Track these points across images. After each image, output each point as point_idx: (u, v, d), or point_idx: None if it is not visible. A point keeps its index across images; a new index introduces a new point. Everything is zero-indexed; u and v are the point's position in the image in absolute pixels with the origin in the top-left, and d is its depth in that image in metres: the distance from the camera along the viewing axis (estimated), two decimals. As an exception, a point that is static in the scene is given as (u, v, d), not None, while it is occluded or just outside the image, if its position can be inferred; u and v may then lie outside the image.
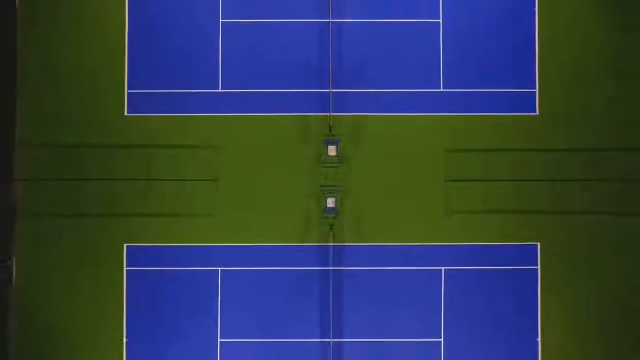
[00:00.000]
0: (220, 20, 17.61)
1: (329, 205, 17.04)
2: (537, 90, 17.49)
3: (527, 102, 17.48)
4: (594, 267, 17.27)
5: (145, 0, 17.70)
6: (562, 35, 17.59)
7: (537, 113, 17.47)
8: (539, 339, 17.16)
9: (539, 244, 17.32)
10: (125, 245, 17.21)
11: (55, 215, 17.05)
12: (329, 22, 17.37)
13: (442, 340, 17.15)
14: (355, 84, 17.50)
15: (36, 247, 17.04)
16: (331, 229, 17.06)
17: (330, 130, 17.06)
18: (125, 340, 17.02)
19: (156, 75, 17.57)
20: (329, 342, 16.85)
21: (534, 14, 17.60)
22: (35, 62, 17.43)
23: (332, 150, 17.22)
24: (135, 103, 17.47)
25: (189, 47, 17.59)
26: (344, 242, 17.28)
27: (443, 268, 17.29)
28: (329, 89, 17.18)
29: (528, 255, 17.37)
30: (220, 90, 17.53)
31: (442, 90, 17.61)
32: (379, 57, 17.60)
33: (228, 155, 17.45)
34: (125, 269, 17.17)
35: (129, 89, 17.49)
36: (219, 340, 17.11)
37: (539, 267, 17.30)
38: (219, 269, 17.26)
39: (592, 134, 17.34)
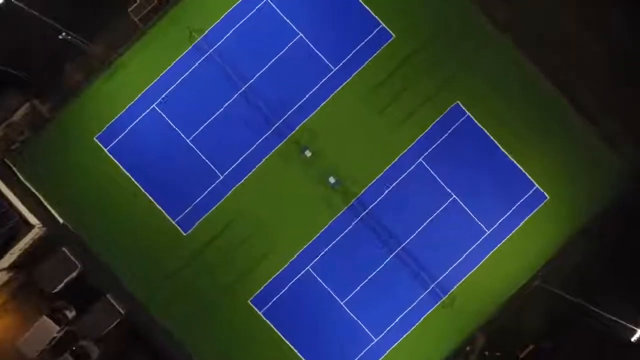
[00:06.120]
0: (187, 140, 25.02)
1: (332, 182, 24.72)
2: (382, 24, 25.12)
3: (383, 36, 25.11)
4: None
5: (134, 162, 25.03)
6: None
7: (394, 36, 25.12)
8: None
9: (457, 102, 25.05)
10: (249, 301, 24.83)
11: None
12: (244, 89, 24.93)
13: (453, 196, 24.86)
14: (288, 108, 25.00)
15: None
16: (344, 193, 24.85)
17: (298, 143, 24.74)
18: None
19: (180, 199, 24.97)
20: (395, 252, 24.68)
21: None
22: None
23: (307, 153, 24.86)
24: (183, 224, 24.96)
25: (182, 167, 24.97)
26: (356, 195, 24.94)
27: (420, 159, 24.96)
28: (279, 121, 24.88)
29: (459, 112, 25.10)
30: (222, 176, 25.01)
31: (335, 68, 25.13)
32: (288, 82, 25.03)
33: (258, 207, 24.95)
34: (261, 312, 24.83)
35: (174, 219, 24.97)
36: (342, 302, 24.73)
37: (469, 113, 25.06)
38: (309, 268, 24.86)
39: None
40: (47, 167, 24.82)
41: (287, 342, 24.68)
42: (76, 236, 24.42)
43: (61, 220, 24.35)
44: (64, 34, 21.47)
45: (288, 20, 25.06)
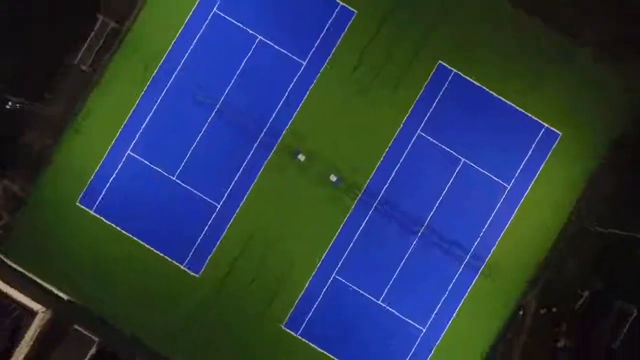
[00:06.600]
0: (172, 177, 23.41)
1: (334, 180, 23.11)
2: (341, 3, 23.50)
3: (346, 15, 23.50)
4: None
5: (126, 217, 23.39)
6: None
7: (356, 12, 23.51)
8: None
9: (439, 62, 23.45)
10: (282, 325, 23.23)
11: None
12: (217, 108, 23.32)
13: (463, 159, 23.26)
14: (268, 116, 23.40)
15: None
16: (349, 187, 23.25)
17: (288, 149, 23.17)
18: None
19: (182, 241, 23.35)
20: (419, 233, 23.10)
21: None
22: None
23: (301, 157, 23.25)
24: (192, 265, 23.35)
25: (175, 207, 23.38)
26: (363, 187, 23.36)
27: (418, 131, 23.36)
28: (262, 132, 23.28)
29: (444, 72, 23.51)
30: (218, 205, 23.40)
31: (305, 62, 23.51)
32: (261, 89, 23.39)
33: (265, 227, 23.32)
34: (298, 334, 23.22)
35: (182, 263, 23.34)
36: (379, 301, 23.13)
37: (455, 70, 23.46)
38: (334, 275, 23.26)
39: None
40: (36, 247, 23.18)
41: (334, 358, 23.08)
42: (85, 309, 22.77)
43: (65, 297, 22.68)
44: (10, 102, 19.83)
45: (242, 26, 23.46)
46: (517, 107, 23.39)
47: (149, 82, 23.40)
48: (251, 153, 23.48)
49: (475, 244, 23.27)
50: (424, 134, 23.39)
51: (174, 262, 23.34)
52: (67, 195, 23.30)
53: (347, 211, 23.30)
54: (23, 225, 23.20)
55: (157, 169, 23.31)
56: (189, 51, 23.45)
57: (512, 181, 23.33)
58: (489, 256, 23.27)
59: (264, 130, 23.42)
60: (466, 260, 23.24)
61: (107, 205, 23.36)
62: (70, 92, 22.89)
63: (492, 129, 23.37)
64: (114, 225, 23.32)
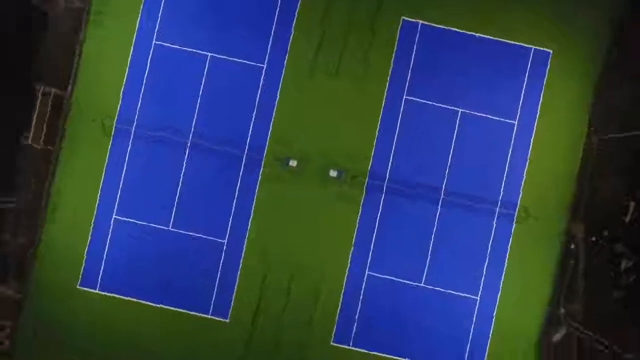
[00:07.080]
0: (168, 228, 21.67)
1: (335, 175, 21.40)
2: None
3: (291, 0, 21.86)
4: None
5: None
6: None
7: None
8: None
9: (402, 18, 21.75)
10: (331, 343, 21.44)
11: None
12: (190, 142, 21.58)
13: (459, 110, 21.54)
14: (245, 132, 21.70)
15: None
16: (352, 177, 21.55)
17: (277, 159, 21.46)
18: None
19: (200, 289, 21.60)
20: (440, 200, 21.36)
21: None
22: None
23: (292, 163, 21.52)
24: (219, 311, 21.60)
25: (181, 257, 21.68)
26: (366, 172, 21.65)
27: (404, 96, 21.65)
28: (245, 151, 21.56)
29: (410, 27, 21.83)
30: (225, 240, 21.64)
31: (265, 64, 21.77)
32: (229, 107, 21.71)
33: (280, 247, 21.61)
34: (350, 346, 21.45)
35: (208, 313, 21.59)
36: (422, 284, 21.41)
37: (421, 21, 21.78)
38: (367, 272, 21.52)
39: None
40: (49, 346, 21.37)
41: (397, 358, 21.33)
42: (123, 393, 21.07)
43: (99, 388, 20.95)
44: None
45: (187, 48, 21.70)
46: (497, 38, 21.70)
47: (111, 140, 21.64)
48: (240, 176, 21.74)
49: (501, 191, 21.55)
50: (411, 97, 21.67)
51: (200, 314, 21.57)
52: (65, 282, 21.51)
53: (358, 202, 21.57)
54: (29, 328, 21.38)
55: (149, 224, 21.54)
56: (141, 94, 21.69)
57: (518, 115, 21.62)
58: (519, 199, 21.55)
59: (246, 148, 21.68)
60: (497, 212, 21.51)
61: (110, 279, 21.59)
62: (33, 177, 21.11)
63: (479, 68, 21.67)
64: (124, 297, 21.56)
